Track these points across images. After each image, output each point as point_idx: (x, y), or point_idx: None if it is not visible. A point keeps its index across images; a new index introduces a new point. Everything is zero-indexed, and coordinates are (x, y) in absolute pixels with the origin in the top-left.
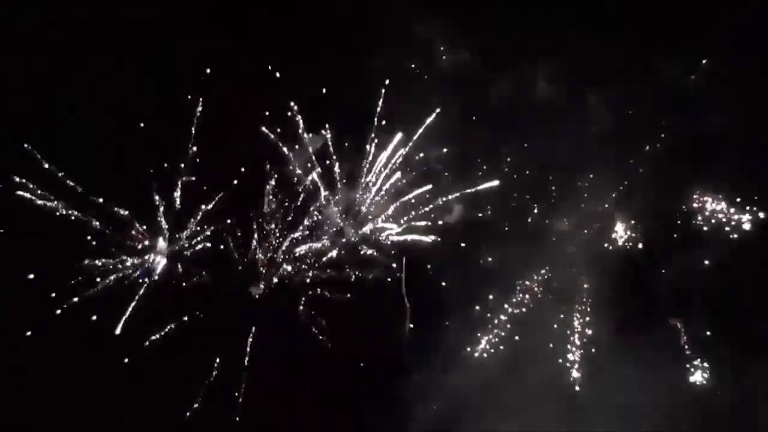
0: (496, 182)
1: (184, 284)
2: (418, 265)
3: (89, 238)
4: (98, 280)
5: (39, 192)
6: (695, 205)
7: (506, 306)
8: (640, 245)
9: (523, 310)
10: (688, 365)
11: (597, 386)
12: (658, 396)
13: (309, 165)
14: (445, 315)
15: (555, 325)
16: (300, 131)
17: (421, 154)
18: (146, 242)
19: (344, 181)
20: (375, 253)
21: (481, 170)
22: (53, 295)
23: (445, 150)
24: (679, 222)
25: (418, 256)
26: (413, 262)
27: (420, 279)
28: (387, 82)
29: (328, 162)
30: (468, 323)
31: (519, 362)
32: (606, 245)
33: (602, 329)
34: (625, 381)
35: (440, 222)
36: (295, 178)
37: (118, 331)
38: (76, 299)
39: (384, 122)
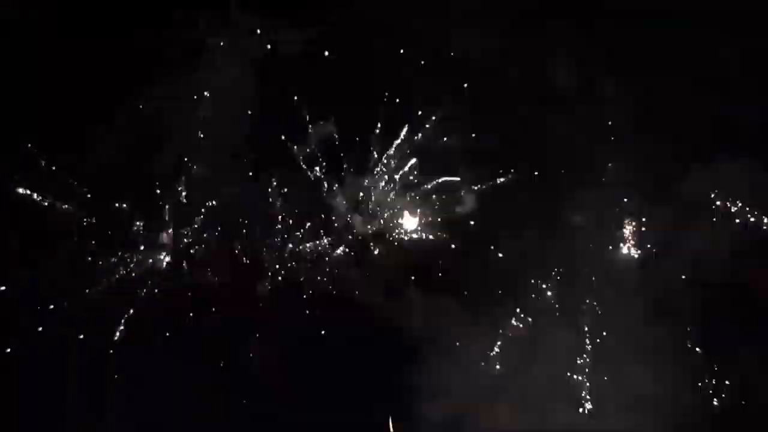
0: (506, 178)
1: (186, 283)
2: (427, 262)
3: (89, 236)
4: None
5: (39, 191)
6: (712, 206)
7: (516, 307)
8: (655, 248)
9: (534, 311)
10: (701, 370)
11: (605, 388)
12: (670, 400)
13: (314, 158)
14: (454, 314)
15: (564, 326)
16: (306, 123)
17: (432, 147)
18: (148, 240)
19: (353, 174)
20: (383, 250)
21: (494, 165)
22: (53, 295)
23: (454, 144)
24: (695, 223)
25: (428, 252)
26: (423, 259)
27: (429, 276)
28: (394, 73)
29: (340, 155)
30: (476, 323)
31: (527, 363)
32: (619, 245)
33: (614, 332)
34: (635, 384)
35: (451, 218)
36: (301, 176)
37: (118, 330)
38: (76, 299)
39: (392, 114)
